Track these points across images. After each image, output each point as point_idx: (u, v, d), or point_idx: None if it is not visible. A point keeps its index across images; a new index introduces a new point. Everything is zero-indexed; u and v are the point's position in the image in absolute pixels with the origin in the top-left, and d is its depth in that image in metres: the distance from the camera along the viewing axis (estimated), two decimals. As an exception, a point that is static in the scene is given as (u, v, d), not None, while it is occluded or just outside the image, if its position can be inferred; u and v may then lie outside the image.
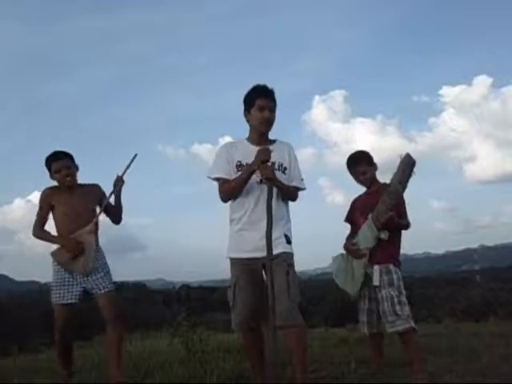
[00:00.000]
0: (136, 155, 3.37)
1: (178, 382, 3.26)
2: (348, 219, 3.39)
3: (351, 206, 3.41)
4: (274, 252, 2.54)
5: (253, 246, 2.59)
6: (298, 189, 2.78)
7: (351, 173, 3.34)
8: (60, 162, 3.27)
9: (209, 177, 2.77)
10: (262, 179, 2.62)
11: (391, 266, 3.03)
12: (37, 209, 3.36)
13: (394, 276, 3.00)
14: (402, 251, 3.17)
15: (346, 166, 3.37)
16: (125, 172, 3.38)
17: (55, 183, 3.35)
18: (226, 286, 2.77)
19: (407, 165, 3.05)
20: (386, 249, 3.06)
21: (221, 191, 2.72)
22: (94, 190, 3.42)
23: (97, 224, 3.35)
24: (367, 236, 3.06)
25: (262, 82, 2.75)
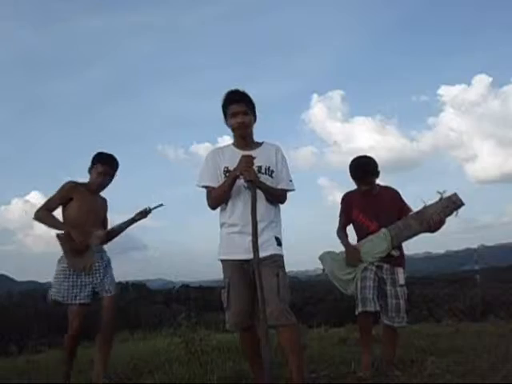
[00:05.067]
0: (162, 204, 3.57)
1: (178, 382, 3.26)
2: (345, 216, 3.44)
3: (346, 201, 3.43)
4: (265, 254, 2.57)
5: (244, 249, 2.61)
6: (285, 191, 2.78)
7: (357, 182, 3.39)
8: (108, 165, 3.37)
9: (197, 185, 2.80)
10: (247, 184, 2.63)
11: (402, 270, 3.37)
12: (50, 195, 3.32)
13: (404, 278, 3.37)
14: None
15: (349, 173, 3.40)
16: (150, 212, 3.54)
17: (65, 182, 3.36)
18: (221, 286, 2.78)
19: (453, 204, 3.20)
20: (402, 255, 3.40)
21: (208, 199, 2.76)
22: (105, 203, 3.53)
23: (107, 234, 3.44)
24: (380, 247, 3.27)
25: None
